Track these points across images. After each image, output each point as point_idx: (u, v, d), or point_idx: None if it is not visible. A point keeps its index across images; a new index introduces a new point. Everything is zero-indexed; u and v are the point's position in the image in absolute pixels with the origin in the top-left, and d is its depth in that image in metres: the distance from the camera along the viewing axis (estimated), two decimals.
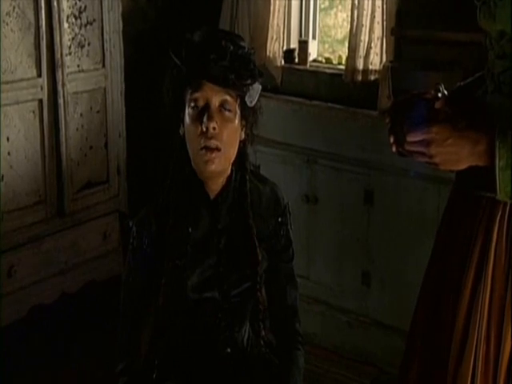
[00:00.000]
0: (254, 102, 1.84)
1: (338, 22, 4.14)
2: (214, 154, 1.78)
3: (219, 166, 1.82)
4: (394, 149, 1.67)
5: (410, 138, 1.55)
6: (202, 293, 1.87)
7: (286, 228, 1.99)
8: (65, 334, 3.49)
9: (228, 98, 1.79)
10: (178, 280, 1.84)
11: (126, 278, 1.95)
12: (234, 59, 1.76)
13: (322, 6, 4.06)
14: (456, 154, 1.53)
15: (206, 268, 1.87)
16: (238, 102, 1.82)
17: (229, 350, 1.91)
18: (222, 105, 1.79)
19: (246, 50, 1.81)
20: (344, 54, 3.80)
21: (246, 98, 1.81)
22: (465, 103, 1.66)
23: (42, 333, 3.44)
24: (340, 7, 4.11)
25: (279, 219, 1.98)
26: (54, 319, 3.46)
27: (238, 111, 1.83)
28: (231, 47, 1.76)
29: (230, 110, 1.80)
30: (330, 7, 4.14)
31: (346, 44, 3.54)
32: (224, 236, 1.89)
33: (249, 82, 1.79)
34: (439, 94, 1.61)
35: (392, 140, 1.65)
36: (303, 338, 2.06)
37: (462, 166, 1.57)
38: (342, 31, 4.09)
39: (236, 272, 1.89)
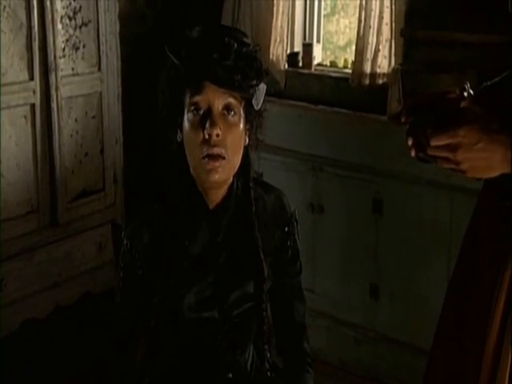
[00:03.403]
0: (260, 105, 1.70)
1: (340, 28, 4.12)
2: (217, 163, 1.64)
3: (223, 176, 1.68)
4: (413, 153, 1.51)
5: (435, 142, 1.40)
6: (200, 313, 1.74)
7: (293, 238, 1.86)
8: (59, 349, 3.41)
9: (232, 100, 1.66)
10: (172, 299, 1.71)
11: (117, 296, 1.83)
12: (239, 58, 1.63)
13: (324, 13, 4.02)
14: (486, 160, 1.39)
15: (205, 286, 1.74)
16: (243, 104, 1.69)
17: (231, 376, 1.78)
18: (226, 108, 1.66)
19: (251, 47, 1.68)
20: (349, 58, 3.74)
21: (253, 101, 1.68)
22: (494, 104, 1.51)
23: (35, 349, 3.37)
24: (342, 13, 4.08)
25: (286, 228, 1.84)
26: (47, 334, 3.41)
27: (243, 114, 1.70)
28: (235, 45, 1.63)
29: (234, 114, 1.67)
30: (332, 13, 4.10)
31: (349, 50, 3.48)
32: (224, 250, 1.76)
33: (255, 82, 1.66)
34: (465, 93, 1.46)
35: (411, 143, 1.50)
36: (312, 358, 1.94)
37: (493, 174, 1.43)
38: (344, 37, 4.08)
39: (238, 290, 1.75)
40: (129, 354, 1.83)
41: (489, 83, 1.67)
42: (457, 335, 1.63)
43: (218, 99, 1.63)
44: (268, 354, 1.80)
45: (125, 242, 1.76)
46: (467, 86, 1.47)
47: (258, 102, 1.69)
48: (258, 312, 1.75)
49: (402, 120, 1.50)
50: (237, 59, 1.62)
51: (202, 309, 1.73)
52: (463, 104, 1.43)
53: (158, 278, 1.71)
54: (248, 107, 1.69)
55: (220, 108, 1.64)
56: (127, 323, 1.82)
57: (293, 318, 1.90)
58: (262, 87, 1.69)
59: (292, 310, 1.90)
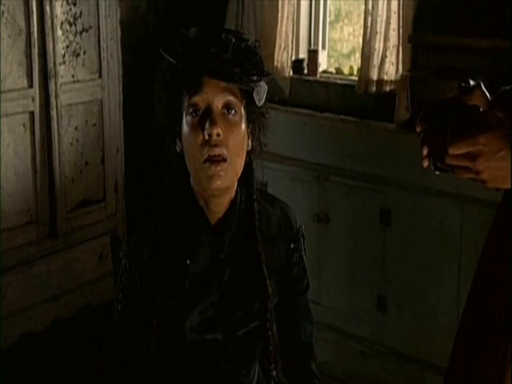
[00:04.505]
0: (262, 101, 1.62)
1: (344, 35, 4.09)
2: (219, 167, 1.56)
3: (226, 181, 1.59)
4: (426, 163, 1.43)
5: (453, 151, 1.32)
6: (203, 334, 1.66)
7: (299, 255, 1.78)
8: (58, 362, 3.37)
9: (232, 98, 1.58)
10: (173, 321, 1.63)
11: (115, 317, 1.74)
12: (238, 52, 1.56)
13: (328, 20, 3.94)
14: (508, 170, 1.31)
15: (208, 306, 1.66)
16: (244, 103, 1.61)
17: None
18: (226, 107, 1.58)
19: (250, 42, 1.60)
20: (355, 65, 3.71)
21: (254, 95, 1.59)
22: None
23: (34, 362, 3.33)
24: (346, 21, 4.03)
25: (291, 245, 1.77)
26: (46, 347, 3.38)
27: (244, 113, 1.62)
28: (233, 39, 1.56)
29: (235, 113, 1.58)
30: (336, 21, 4.05)
31: (352, 58, 3.43)
32: (228, 267, 1.68)
33: (255, 78, 1.58)
34: (464, 84, 1.38)
35: (425, 152, 1.41)
36: (319, 379, 1.87)
37: None
38: (348, 45, 4.06)
39: (242, 309, 1.67)
40: (127, 378, 1.75)
41: (507, 87, 1.59)
42: (475, 353, 1.54)
43: (217, 97, 1.56)
44: (274, 373, 1.73)
45: (123, 261, 1.68)
46: (465, 83, 1.39)
47: (260, 97, 1.60)
48: (263, 331, 1.67)
49: (418, 128, 1.42)
50: (235, 53, 1.55)
51: (205, 330, 1.66)
52: (483, 108, 1.35)
53: (158, 299, 1.63)
54: (249, 106, 1.62)
55: (220, 107, 1.57)
56: (125, 346, 1.73)
57: (299, 338, 1.83)
58: (264, 85, 1.60)
59: (298, 329, 1.82)
